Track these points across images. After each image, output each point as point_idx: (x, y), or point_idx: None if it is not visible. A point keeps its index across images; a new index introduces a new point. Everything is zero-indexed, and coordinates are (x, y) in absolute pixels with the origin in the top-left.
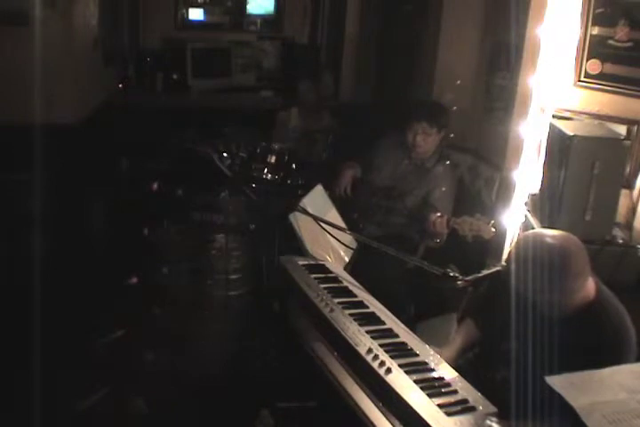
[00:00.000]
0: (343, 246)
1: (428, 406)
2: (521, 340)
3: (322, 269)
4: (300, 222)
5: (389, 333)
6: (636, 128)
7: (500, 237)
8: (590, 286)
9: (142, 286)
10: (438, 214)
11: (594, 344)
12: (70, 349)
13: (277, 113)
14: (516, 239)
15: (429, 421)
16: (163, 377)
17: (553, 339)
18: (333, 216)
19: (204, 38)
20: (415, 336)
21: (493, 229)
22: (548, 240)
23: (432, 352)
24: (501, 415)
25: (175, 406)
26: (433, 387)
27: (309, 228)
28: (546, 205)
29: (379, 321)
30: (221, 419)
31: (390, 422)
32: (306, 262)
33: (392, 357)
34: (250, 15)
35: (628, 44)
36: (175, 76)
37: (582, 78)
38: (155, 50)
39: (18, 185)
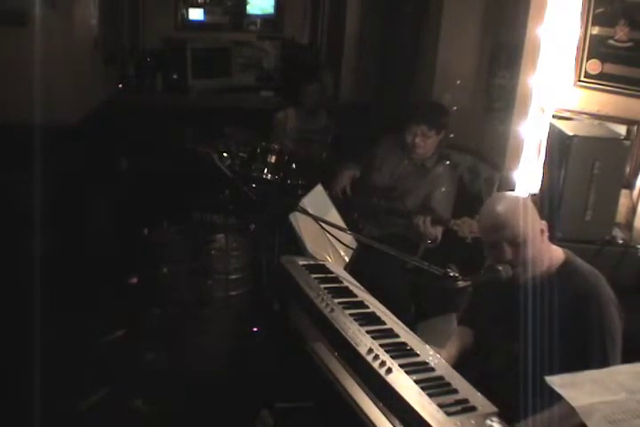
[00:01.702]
0: (343, 246)
1: (429, 405)
2: (511, 318)
3: (322, 269)
4: (300, 222)
5: (390, 333)
6: (635, 128)
7: None
8: (557, 251)
9: (142, 286)
10: (429, 218)
11: (571, 295)
12: (70, 349)
13: (276, 113)
14: None
15: (429, 421)
16: (163, 377)
17: (537, 307)
18: (333, 216)
19: (204, 38)
20: (415, 336)
21: None
22: (498, 196)
23: (432, 352)
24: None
25: (175, 406)
26: (433, 387)
27: (309, 228)
28: (546, 205)
29: (379, 321)
30: (221, 419)
31: (390, 421)
32: (306, 262)
33: (392, 357)
34: (250, 15)
35: (628, 44)
36: (175, 76)
37: (582, 78)
38: (155, 50)
39: (18, 185)
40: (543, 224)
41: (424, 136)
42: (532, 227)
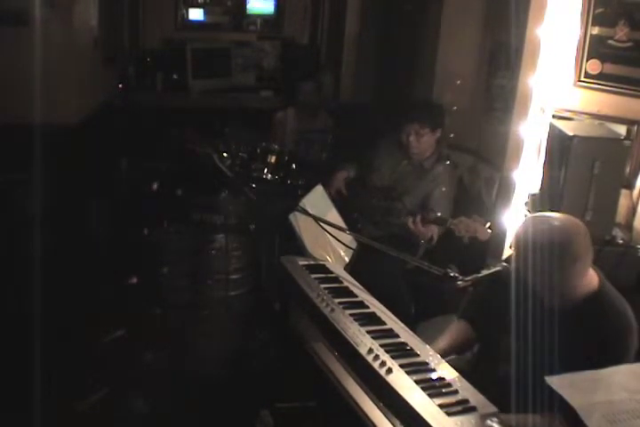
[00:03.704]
0: (343, 246)
1: (429, 406)
2: (523, 334)
3: (322, 269)
4: (300, 222)
5: (390, 333)
6: (635, 128)
7: (499, 238)
8: (592, 277)
9: (142, 286)
10: (419, 217)
11: (597, 335)
12: (70, 349)
13: (275, 113)
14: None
15: (430, 421)
16: (163, 377)
17: (556, 331)
18: (333, 216)
19: (204, 38)
20: (415, 336)
21: (489, 231)
22: (550, 221)
23: (432, 352)
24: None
25: (175, 406)
26: (434, 387)
27: (309, 228)
28: (546, 205)
29: (379, 321)
30: (221, 419)
31: (391, 422)
32: (306, 262)
33: (393, 357)
34: (250, 15)
35: (628, 44)
36: (175, 76)
37: (582, 78)
38: (155, 50)
39: (18, 185)
40: (581, 268)
41: (417, 134)
42: (568, 272)
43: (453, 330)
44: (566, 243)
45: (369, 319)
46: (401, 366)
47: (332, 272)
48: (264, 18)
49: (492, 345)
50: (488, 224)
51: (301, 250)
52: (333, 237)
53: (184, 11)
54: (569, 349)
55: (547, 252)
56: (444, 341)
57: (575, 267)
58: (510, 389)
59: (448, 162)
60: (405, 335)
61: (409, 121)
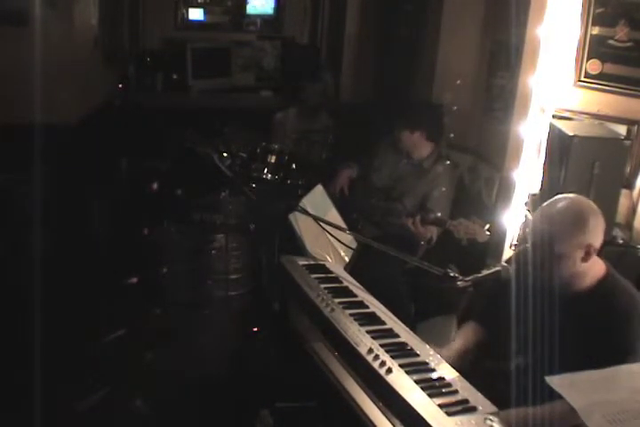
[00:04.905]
0: (343, 246)
1: (429, 406)
2: (524, 332)
3: (322, 269)
4: (300, 222)
5: (390, 333)
6: (636, 128)
7: (499, 238)
8: (600, 265)
9: (142, 286)
10: (418, 218)
11: (605, 322)
12: (70, 349)
13: (276, 113)
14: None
15: (430, 421)
16: (163, 377)
17: (562, 324)
18: (333, 216)
19: (204, 38)
20: (415, 336)
21: (488, 233)
22: (564, 197)
23: (432, 352)
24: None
25: (175, 406)
26: (434, 387)
27: (309, 228)
28: None
29: (379, 321)
30: (221, 419)
31: (391, 422)
32: (306, 262)
33: (393, 357)
34: (250, 15)
35: (628, 44)
36: (175, 76)
37: (582, 78)
38: (155, 50)
39: (18, 185)
40: (590, 245)
41: (410, 140)
42: (570, 246)
43: (465, 332)
44: (578, 211)
45: (369, 319)
46: (401, 365)
47: (332, 272)
48: (264, 18)
49: (496, 344)
50: (487, 226)
51: (301, 250)
52: (333, 237)
53: (184, 10)
54: (576, 341)
55: (558, 217)
56: (457, 342)
57: (582, 238)
58: (513, 387)
59: (448, 162)
60: (405, 335)
61: (400, 125)
